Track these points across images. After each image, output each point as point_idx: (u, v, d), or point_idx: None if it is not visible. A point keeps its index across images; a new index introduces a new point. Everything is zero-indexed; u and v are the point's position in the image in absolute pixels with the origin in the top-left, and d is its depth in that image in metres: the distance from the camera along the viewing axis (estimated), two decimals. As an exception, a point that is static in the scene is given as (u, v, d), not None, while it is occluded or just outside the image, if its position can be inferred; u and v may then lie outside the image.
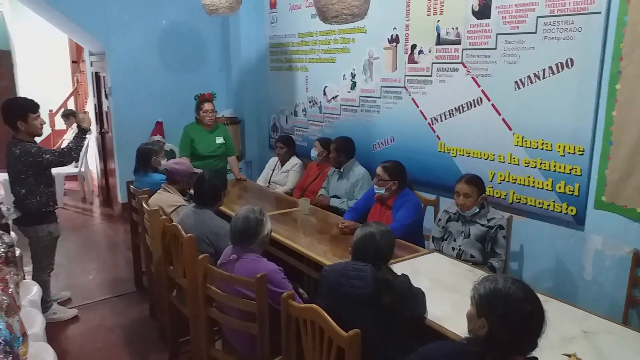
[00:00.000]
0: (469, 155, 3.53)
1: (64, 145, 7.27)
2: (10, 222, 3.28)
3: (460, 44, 3.49)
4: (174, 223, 2.86)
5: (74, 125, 6.11)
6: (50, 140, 7.97)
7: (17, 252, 2.84)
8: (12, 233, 3.10)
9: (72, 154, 3.45)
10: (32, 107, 3.36)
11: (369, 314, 1.95)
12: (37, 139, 3.47)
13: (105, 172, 6.62)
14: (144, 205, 3.30)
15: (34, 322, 2.57)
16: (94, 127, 6.86)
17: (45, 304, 3.46)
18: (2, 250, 2.56)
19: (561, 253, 3.10)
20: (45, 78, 8.27)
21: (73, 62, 8.52)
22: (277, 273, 2.36)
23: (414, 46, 3.85)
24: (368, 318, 1.94)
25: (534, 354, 1.43)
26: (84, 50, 7.13)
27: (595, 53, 2.78)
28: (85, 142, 3.63)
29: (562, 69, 2.94)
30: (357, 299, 1.98)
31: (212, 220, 2.94)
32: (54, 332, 3.34)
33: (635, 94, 2.62)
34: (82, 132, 3.51)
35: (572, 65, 2.90)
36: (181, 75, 5.83)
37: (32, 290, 2.92)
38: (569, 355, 1.83)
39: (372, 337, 1.89)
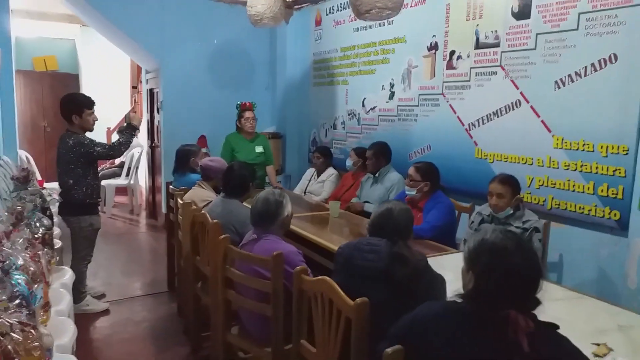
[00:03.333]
0: (506, 161, 3.40)
1: (117, 162, 7.67)
2: (55, 211, 3.42)
3: (499, 46, 3.43)
4: (202, 212, 2.89)
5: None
6: (106, 156, 8.35)
7: (59, 244, 2.96)
8: (55, 228, 3.22)
9: (121, 148, 3.62)
10: (88, 103, 3.57)
11: (383, 289, 1.86)
12: (89, 134, 3.65)
13: (153, 189, 6.86)
14: (178, 200, 3.37)
15: (62, 300, 2.63)
16: (145, 142, 7.19)
17: (79, 295, 3.56)
18: (41, 231, 2.67)
19: (603, 261, 2.88)
20: (107, 100, 8.78)
21: (133, 87, 9.04)
22: (296, 255, 2.32)
23: (452, 52, 3.82)
24: (382, 293, 1.85)
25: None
26: (142, 71, 7.56)
27: (641, 46, 2.65)
28: (134, 139, 3.78)
29: (605, 64, 2.82)
30: (371, 273, 1.90)
31: (239, 209, 2.96)
32: (83, 321, 3.40)
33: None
34: (132, 129, 3.68)
35: (615, 60, 2.77)
36: (228, 92, 5.96)
37: (65, 275, 3.02)
38: (598, 345, 1.69)
39: (385, 312, 1.79)
